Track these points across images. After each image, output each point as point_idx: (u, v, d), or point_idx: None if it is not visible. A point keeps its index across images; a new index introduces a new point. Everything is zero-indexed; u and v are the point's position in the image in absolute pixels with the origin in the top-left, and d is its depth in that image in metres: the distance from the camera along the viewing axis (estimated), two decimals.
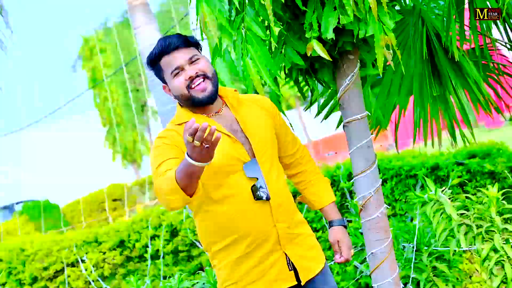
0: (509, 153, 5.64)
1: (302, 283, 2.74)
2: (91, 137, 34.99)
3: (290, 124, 3.06)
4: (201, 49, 2.75)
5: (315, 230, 6.11)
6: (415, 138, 4.21)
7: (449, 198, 3.76)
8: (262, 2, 2.83)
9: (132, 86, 28.86)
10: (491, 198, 3.76)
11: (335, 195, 5.68)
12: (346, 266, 5.52)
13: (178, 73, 2.67)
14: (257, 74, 2.85)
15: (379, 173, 3.91)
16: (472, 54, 3.97)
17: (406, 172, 5.65)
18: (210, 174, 2.58)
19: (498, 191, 3.88)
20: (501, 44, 4.08)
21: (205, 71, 2.68)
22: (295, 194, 5.83)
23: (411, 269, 4.23)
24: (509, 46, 4.03)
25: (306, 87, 3.86)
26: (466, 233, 3.70)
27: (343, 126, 3.26)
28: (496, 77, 4.11)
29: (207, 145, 2.20)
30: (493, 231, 3.82)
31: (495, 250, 3.77)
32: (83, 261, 7.90)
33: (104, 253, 7.88)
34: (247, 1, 2.91)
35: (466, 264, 4.93)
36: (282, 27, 3.08)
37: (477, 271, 4.88)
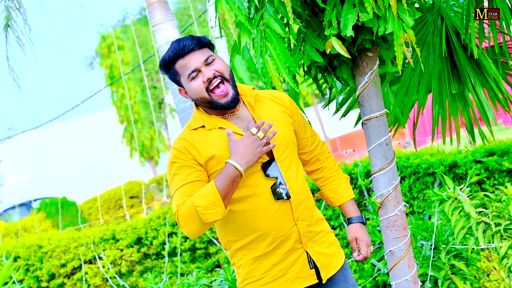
0: None
1: (324, 281, 2.74)
2: (109, 135, 35.13)
3: (308, 120, 3.06)
4: (213, 48, 2.73)
5: (333, 227, 6.11)
6: (433, 136, 4.20)
7: (467, 196, 3.73)
8: None
9: (150, 84, 28.92)
10: (509, 196, 3.73)
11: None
12: (364, 264, 5.51)
13: (195, 75, 2.65)
14: (276, 72, 2.85)
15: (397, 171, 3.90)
16: (491, 51, 3.95)
17: (424, 170, 5.63)
18: None
19: None
20: None
21: (222, 71, 2.67)
22: (313, 190, 5.83)
23: (429, 267, 4.22)
24: None
25: (325, 84, 3.86)
26: (484, 231, 3.68)
27: (362, 123, 3.26)
28: None
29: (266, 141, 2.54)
30: None
31: None
32: (100, 258, 7.94)
33: (122, 250, 7.90)
34: None
35: (484, 262, 4.91)
36: (301, 24, 3.07)
37: (495, 269, 4.86)
